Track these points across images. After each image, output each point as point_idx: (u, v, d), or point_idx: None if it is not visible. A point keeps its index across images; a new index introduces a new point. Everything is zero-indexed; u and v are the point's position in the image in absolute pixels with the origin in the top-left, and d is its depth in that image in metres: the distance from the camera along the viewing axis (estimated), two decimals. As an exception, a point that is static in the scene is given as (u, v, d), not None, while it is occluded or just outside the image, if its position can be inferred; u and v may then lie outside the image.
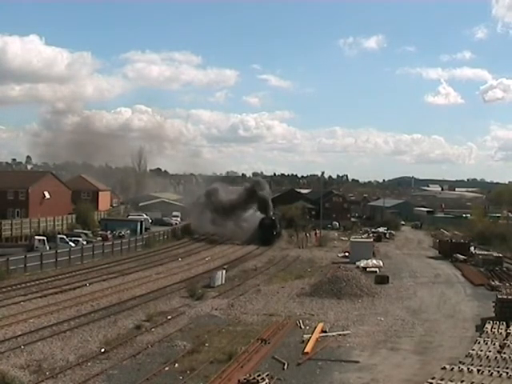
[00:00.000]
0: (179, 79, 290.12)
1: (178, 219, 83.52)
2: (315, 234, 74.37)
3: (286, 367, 19.88)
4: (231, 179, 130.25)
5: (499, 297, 28.21)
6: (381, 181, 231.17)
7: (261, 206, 73.30)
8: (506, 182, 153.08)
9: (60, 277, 39.11)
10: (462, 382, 16.05)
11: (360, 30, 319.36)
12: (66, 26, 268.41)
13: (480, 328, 25.46)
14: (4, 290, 33.51)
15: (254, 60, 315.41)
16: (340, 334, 24.67)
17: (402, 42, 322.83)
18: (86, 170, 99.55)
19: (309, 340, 23.12)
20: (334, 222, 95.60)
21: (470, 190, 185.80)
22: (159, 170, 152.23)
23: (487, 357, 19.23)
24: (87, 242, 52.63)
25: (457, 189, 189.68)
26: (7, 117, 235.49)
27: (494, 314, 27.53)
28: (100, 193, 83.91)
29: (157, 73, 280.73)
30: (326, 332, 24.94)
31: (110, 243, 53.32)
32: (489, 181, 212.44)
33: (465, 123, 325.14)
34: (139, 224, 65.90)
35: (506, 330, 23.99)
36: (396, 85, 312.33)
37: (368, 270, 44.32)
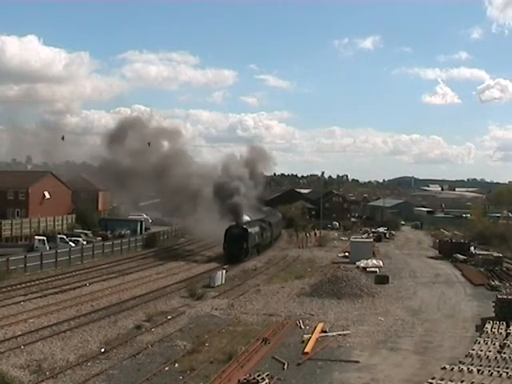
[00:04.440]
0: (177, 79, 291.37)
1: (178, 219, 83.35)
2: (315, 234, 74.25)
3: (286, 367, 19.88)
4: None
5: (499, 297, 28.24)
6: (380, 181, 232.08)
7: (230, 211, 56.20)
8: (506, 182, 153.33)
9: (60, 277, 39.10)
10: (462, 382, 16.06)
11: (356, 31, 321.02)
12: (64, 26, 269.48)
13: (480, 328, 25.47)
14: (4, 289, 33.50)
15: (251, 60, 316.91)
16: (340, 334, 24.66)
17: (399, 42, 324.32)
18: (85, 169, 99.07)
19: (309, 340, 23.12)
20: (334, 222, 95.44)
21: (469, 190, 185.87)
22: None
23: (487, 357, 19.24)
24: (87, 242, 52.58)
25: (457, 189, 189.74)
26: (7, 117, 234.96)
27: (493, 314, 27.54)
28: (100, 193, 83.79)
29: (155, 73, 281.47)
30: (326, 332, 24.93)
31: (110, 243, 53.29)
32: (488, 181, 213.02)
33: (463, 123, 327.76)
34: (139, 224, 65.85)
35: (506, 330, 23.99)
36: (393, 85, 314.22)
37: (368, 270, 44.29)
